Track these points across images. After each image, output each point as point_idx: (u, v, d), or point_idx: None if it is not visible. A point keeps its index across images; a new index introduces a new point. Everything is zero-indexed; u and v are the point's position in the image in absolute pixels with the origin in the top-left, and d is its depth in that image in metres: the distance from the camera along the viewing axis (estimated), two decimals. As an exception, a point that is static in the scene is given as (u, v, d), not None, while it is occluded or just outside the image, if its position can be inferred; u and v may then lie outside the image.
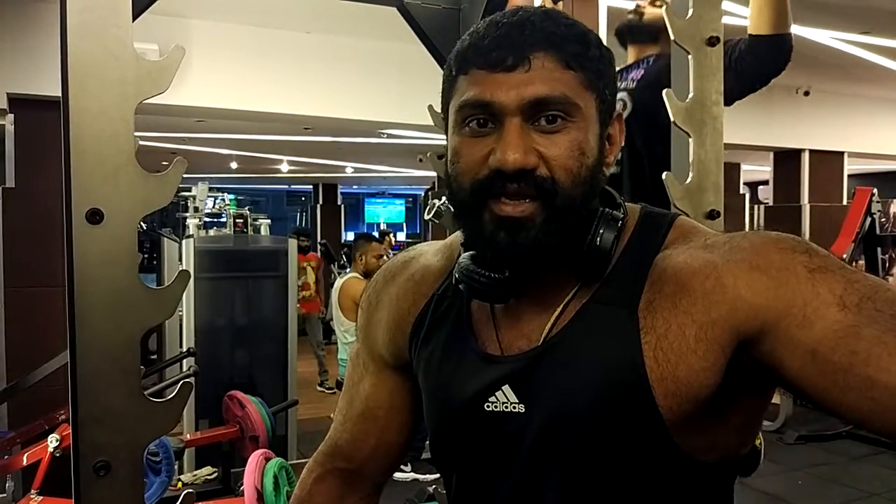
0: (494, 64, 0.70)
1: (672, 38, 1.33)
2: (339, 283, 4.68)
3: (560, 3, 1.93)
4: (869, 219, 4.78)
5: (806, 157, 6.17)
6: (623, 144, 0.80)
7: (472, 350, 0.80)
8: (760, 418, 0.78)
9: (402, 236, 15.97)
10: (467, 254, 0.79)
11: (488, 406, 0.76)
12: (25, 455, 2.99)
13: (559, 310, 0.75)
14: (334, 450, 0.97)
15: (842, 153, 6.31)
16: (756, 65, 1.72)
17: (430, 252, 0.91)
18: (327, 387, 6.66)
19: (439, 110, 0.77)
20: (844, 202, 6.17)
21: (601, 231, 0.73)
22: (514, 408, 0.75)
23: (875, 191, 4.81)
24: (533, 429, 0.74)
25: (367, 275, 4.69)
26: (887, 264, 5.02)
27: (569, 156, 0.70)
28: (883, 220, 4.93)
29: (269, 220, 6.47)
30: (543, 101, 0.70)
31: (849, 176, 6.62)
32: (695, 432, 0.70)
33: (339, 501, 0.97)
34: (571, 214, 0.72)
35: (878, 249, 4.77)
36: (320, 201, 13.67)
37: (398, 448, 0.95)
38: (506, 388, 0.75)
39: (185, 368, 4.11)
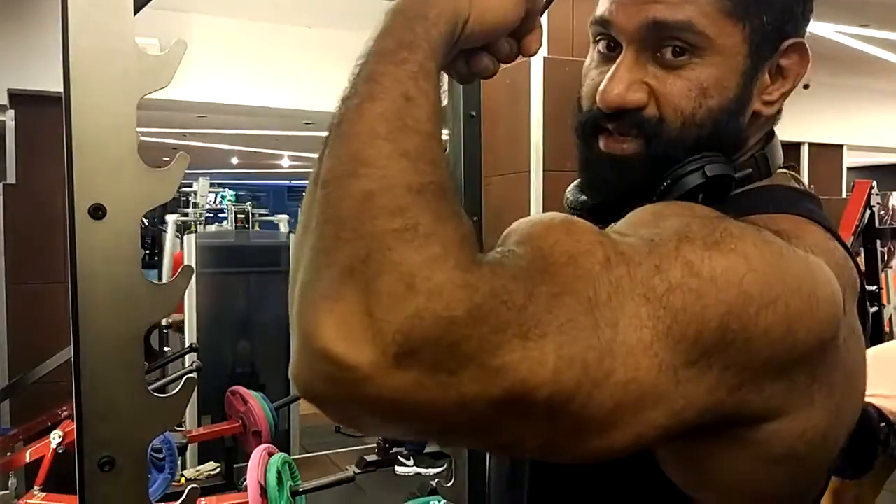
0: None
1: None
2: None
3: None
4: (868, 211, 4.76)
5: (805, 150, 6.16)
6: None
7: None
8: None
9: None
10: (576, 181, 0.75)
11: None
12: (28, 452, 3.00)
13: None
14: None
15: (841, 146, 6.30)
16: None
17: None
18: None
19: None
20: (844, 195, 6.17)
21: (687, 167, 0.64)
22: None
23: (874, 183, 4.80)
24: None
25: None
26: (886, 257, 5.01)
27: (684, 95, 0.62)
28: (882, 212, 4.92)
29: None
30: (662, 24, 0.61)
31: (848, 169, 6.61)
32: None
33: None
34: (672, 159, 0.64)
35: (878, 242, 4.76)
36: (321, 196, 13.67)
37: None
38: None
39: (187, 364, 4.12)
